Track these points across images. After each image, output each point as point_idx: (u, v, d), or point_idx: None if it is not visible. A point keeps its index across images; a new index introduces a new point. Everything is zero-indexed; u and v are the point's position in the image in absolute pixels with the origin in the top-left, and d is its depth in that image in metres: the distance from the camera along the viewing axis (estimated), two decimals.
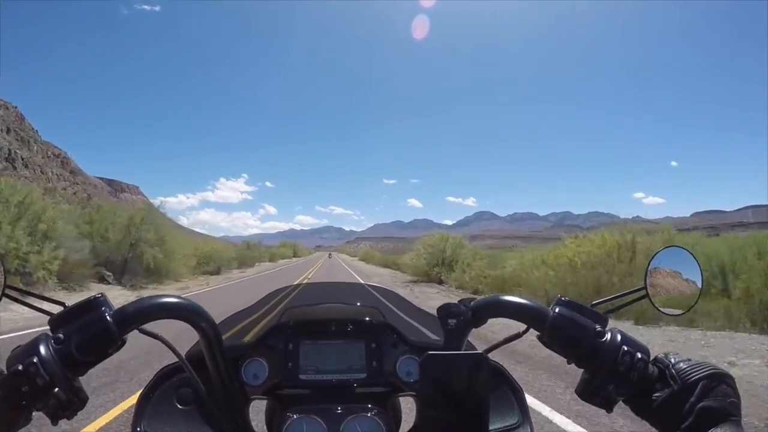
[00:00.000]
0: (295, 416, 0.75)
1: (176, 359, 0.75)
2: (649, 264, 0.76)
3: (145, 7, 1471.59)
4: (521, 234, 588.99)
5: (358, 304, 0.95)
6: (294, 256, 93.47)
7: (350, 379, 0.81)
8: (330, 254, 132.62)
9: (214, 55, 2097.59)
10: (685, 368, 0.61)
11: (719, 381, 0.59)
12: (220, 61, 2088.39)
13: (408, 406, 0.87)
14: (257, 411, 0.83)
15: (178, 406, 0.79)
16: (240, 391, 0.79)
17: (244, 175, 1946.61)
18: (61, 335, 0.61)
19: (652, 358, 0.64)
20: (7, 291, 0.68)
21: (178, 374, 0.80)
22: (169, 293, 0.75)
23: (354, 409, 0.77)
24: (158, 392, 0.80)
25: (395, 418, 0.84)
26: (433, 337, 0.86)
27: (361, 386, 0.81)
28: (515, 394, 0.83)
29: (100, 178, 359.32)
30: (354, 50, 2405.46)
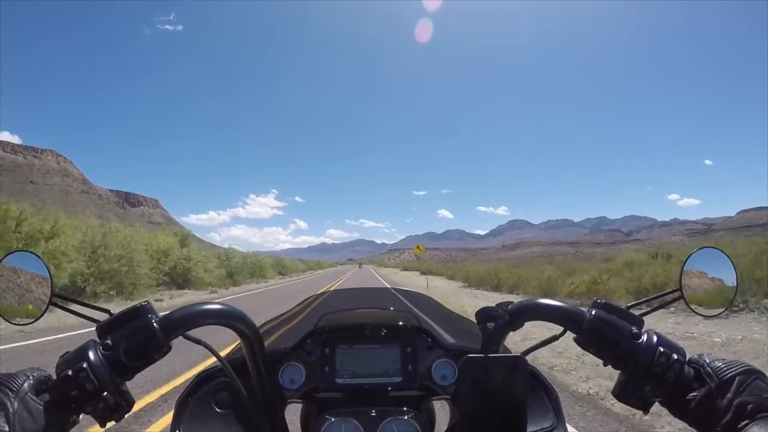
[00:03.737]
0: (332, 419, 0.77)
1: (214, 364, 0.80)
2: (683, 265, 0.76)
3: (168, 27, 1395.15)
4: (564, 240, 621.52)
5: (393, 308, 0.97)
6: (289, 272, 63.68)
7: (386, 382, 0.83)
8: (360, 265, 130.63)
9: (238, 73, 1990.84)
10: (721, 366, 0.62)
11: (754, 376, 0.60)
12: (243, 78, 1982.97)
13: (441, 410, 0.90)
14: (291, 413, 0.86)
15: (216, 409, 0.83)
16: (278, 394, 0.82)
17: (274, 190, 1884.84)
18: (109, 341, 0.64)
19: (687, 359, 0.66)
20: (54, 299, 0.72)
21: (216, 378, 0.84)
22: (213, 300, 0.79)
23: (390, 412, 0.78)
24: (197, 396, 0.83)
25: (430, 421, 0.86)
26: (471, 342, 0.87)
27: (396, 390, 0.83)
28: (550, 398, 0.85)
29: (114, 191, 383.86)
30: (379, 63, 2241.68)
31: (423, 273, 42.71)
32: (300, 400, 0.86)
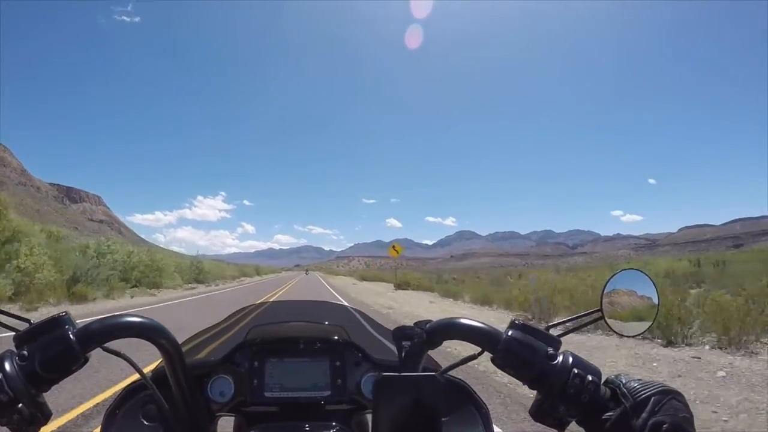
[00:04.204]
0: None
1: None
2: (605, 287, 0.78)
3: (125, 18, 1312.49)
4: (512, 252, 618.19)
5: (323, 323, 0.97)
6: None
7: (315, 396, 0.84)
8: (307, 271, 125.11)
9: (192, 72, 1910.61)
10: (636, 386, 0.62)
11: (670, 396, 0.61)
12: (197, 78, 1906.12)
13: None
14: (226, 428, 0.84)
15: (144, 422, 0.82)
16: (205, 408, 0.82)
17: (222, 193, 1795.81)
18: (25, 352, 0.63)
19: (603, 379, 0.66)
20: None
21: (144, 390, 0.82)
22: (132, 312, 0.80)
23: (318, 427, 0.79)
24: (124, 408, 0.82)
25: None
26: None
27: (325, 404, 0.84)
28: (479, 412, 0.86)
29: (54, 184, 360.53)
30: (333, 70, 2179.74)
31: (401, 286, 28.15)
32: (231, 414, 0.87)
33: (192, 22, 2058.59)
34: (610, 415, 0.62)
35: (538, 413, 0.67)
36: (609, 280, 0.78)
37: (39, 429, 0.64)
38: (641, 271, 0.79)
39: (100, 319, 0.69)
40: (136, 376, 0.80)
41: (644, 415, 0.60)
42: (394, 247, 26.05)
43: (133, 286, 22.97)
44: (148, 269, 25.55)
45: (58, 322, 0.66)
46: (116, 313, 0.72)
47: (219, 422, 0.90)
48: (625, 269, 0.80)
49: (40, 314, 17.19)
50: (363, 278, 55.68)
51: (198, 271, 38.07)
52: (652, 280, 0.78)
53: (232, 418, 0.89)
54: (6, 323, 0.68)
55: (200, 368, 0.85)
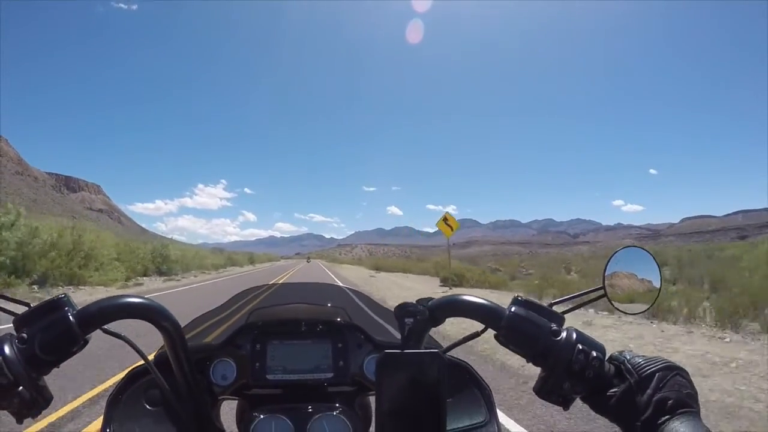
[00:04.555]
0: (262, 416, 0.78)
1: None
2: (607, 264, 0.77)
3: (122, 5, 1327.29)
4: (513, 240, 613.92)
5: (325, 304, 0.96)
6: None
7: (317, 378, 0.83)
8: (309, 259, 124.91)
9: (192, 60, 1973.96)
10: (641, 362, 0.62)
11: (674, 372, 0.61)
12: (198, 65, 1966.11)
13: None
14: (230, 411, 0.84)
15: (147, 407, 0.81)
16: (208, 391, 0.82)
17: (223, 181, 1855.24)
18: (24, 335, 0.62)
19: (607, 356, 0.66)
20: None
21: (146, 375, 0.82)
22: (132, 294, 0.75)
23: (321, 408, 0.79)
24: (127, 394, 0.81)
25: (364, 417, 0.87)
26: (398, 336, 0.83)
27: (328, 386, 0.84)
28: (482, 393, 0.85)
29: (53, 174, 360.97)
30: (335, 58, 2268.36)
31: (453, 282, 19.12)
32: (233, 397, 0.86)
33: (191, 8, 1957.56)
34: (614, 392, 0.62)
35: (542, 390, 0.66)
36: (611, 257, 0.77)
37: (40, 413, 0.63)
38: (644, 249, 0.79)
39: (100, 300, 0.68)
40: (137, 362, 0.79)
41: (649, 391, 0.59)
42: (445, 220, 16.91)
43: (33, 283, 15.76)
44: (68, 256, 17.83)
45: (57, 304, 0.65)
46: (117, 295, 0.71)
47: (222, 406, 0.90)
48: (627, 246, 0.80)
49: None
50: (377, 267, 45.36)
51: (161, 259, 29.29)
52: (654, 258, 0.77)
53: (235, 402, 0.88)
54: (4, 307, 0.67)
55: (202, 351, 0.84)
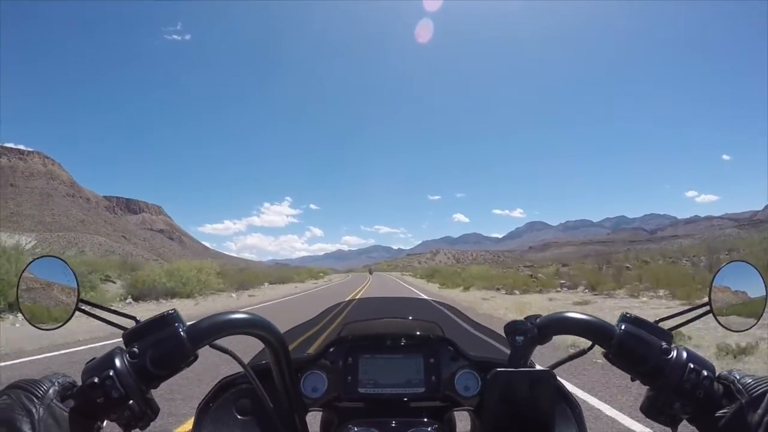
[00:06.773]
0: (355, 428, 0.77)
1: (238, 371, 0.80)
2: (713, 280, 0.76)
3: (176, 37, 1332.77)
4: (592, 240, 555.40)
5: (417, 318, 0.96)
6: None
7: (408, 393, 0.83)
8: (370, 271, 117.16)
9: (247, 81, 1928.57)
10: (751, 382, 0.60)
11: None
12: (253, 86, 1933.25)
13: (462, 422, 0.89)
14: (309, 423, 0.84)
15: (237, 416, 0.83)
16: (299, 402, 0.82)
17: (288, 198, 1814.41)
18: (135, 349, 0.64)
19: (716, 375, 0.64)
20: (80, 305, 0.71)
21: (237, 385, 0.84)
22: (238, 310, 0.78)
23: (412, 423, 0.78)
24: (217, 403, 0.84)
25: None
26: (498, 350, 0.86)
27: (418, 400, 0.83)
28: (573, 411, 0.84)
29: (112, 197, 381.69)
30: (387, 67, 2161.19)
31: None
32: (321, 409, 0.87)
33: (237, 31, 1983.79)
34: (724, 412, 0.61)
35: (651, 410, 0.66)
36: (716, 273, 0.77)
37: (147, 425, 0.65)
38: (749, 264, 0.77)
39: (209, 317, 0.70)
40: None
41: (760, 411, 0.57)
42: None
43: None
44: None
45: (168, 320, 0.67)
46: (224, 311, 0.73)
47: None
48: (733, 261, 0.79)
49: None
50: (493, 285, 26.43)
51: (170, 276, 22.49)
52: (760, 272, 0.76)
53: (318, 413, 0.90)
54: (110, 320, 0.70)
55: (294, 363, 0.82)
